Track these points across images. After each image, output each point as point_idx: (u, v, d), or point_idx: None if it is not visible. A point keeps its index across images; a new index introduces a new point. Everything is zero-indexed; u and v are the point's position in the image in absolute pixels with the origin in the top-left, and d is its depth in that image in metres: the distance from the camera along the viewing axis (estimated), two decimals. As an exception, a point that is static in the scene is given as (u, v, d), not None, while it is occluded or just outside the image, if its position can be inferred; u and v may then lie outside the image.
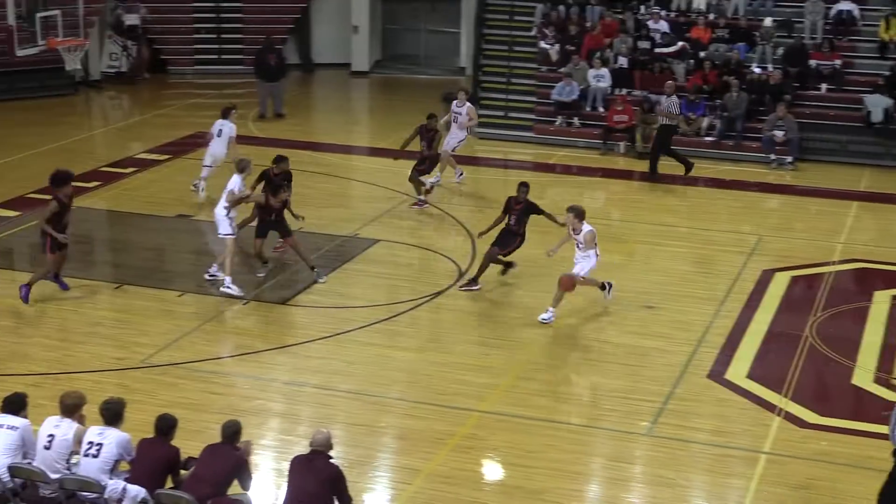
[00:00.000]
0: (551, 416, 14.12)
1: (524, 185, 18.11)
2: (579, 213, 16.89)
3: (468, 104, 23.52)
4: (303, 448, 11.14)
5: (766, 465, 13.10)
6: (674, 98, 24.64)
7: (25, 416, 11.26)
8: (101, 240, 21.12)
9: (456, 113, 23.32)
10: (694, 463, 13.23)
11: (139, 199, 22.29)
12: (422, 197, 21.83)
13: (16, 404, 11.27)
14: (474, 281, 17.85)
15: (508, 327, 16.75)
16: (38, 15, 26.07)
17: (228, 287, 17.31)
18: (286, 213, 18.23)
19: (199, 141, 26.13)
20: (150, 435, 10.99)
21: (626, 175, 25.05)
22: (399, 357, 15.73)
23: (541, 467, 12.92)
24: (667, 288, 18.36)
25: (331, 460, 10.70)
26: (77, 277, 17.81)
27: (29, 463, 11.00)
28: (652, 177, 24.40)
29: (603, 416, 14.24)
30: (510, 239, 17.97)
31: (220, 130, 21.57)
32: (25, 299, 16.75)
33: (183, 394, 14.42)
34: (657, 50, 27.99)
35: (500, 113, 27.93)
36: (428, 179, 22.27)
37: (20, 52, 25.96)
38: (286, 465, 10.82)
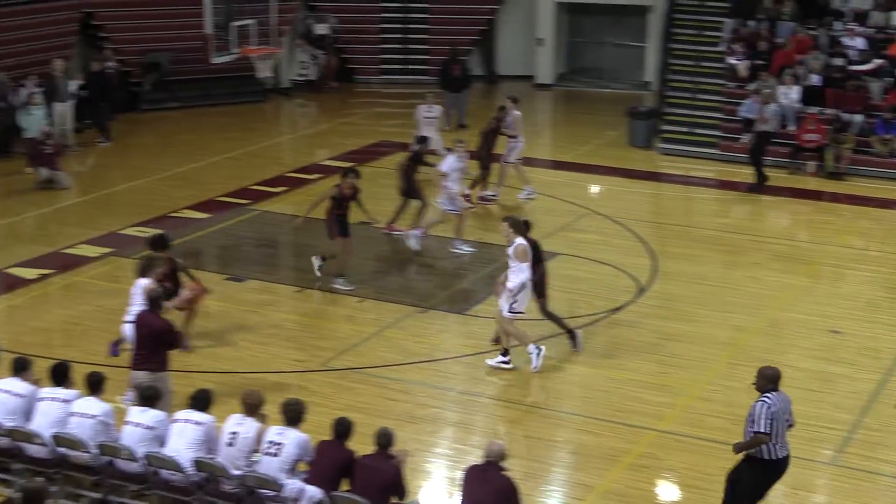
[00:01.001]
0: (730, 438, 13.72)
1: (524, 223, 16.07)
2: (514, 224, 15.56)
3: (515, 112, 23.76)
4: (476, 458, 11.13)
5: (958, 501, 12.57)
6: (772, 105, 24.22)
7: (211, 413, 11.55)
8: (285, 244, 21.56)
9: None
10: (880, 496, 12.77)
11: (323, 205, 22.59)
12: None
13: (202, 401, 11.57)
14: (572, 340, 16.19)
15: (687, 346, 16.46)
16: (234, 24, 26.78)
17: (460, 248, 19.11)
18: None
19: (382, 150, 26.53)
20: (327, 437, 11.14)
21: (814, 195, 24.36)
22: (575, 371, 15.62)
23: (718, 491, 12.58)
24: (854, 313, 17.79)
25: (504, 472, 10.67)
26: (261, 280, 18.21)
27: (212, 458, 11.27)
28: (760, 187, 24.08)
29: (784, 441, 13.85)
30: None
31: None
32: None
33: (360, 398, 14.60)
34: (852, 67, 27.18)
35: (685, 129, 27.52)
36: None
37: (215, 60, 26.73)
38: (459, 475, 10.82)
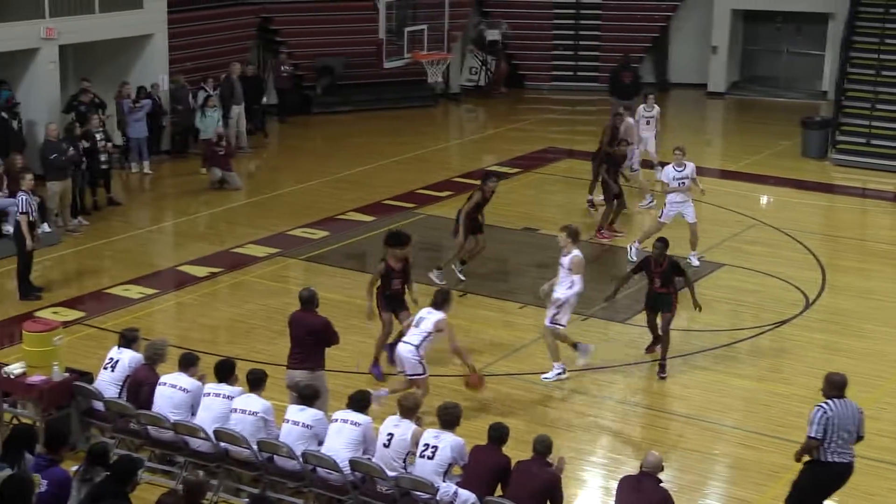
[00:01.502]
0: (896, 459, 13.38)
1: (660, 241, 15.59)
2: (572, 233, 15.19)
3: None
4: (632, 468, 11.02)
5: None
6: None
7: (368, 414, 11.69)
8: (449, 248, 21.65)
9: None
10: None
11: (487, 210, 22.64)
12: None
13: (361, 402, 11.73)
14: (661, 369, 15.49)
15: (855, 362, 15.97)
16: (407, 29, 27.11)
17: None
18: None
19: (549, 156, 26.47)
20: (483, 442, 11.16)
21: None
22: (737, 385, 15.32)
23: (881, 513, 12.28)
24: None
25: (660, 484, 10.53)
26: (422, 283, 18.32)
27: (369, 459, 11.40)
28: None
29: (955, 465, 13.37)
30: (664, 300, 15.58)
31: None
32: None
33: (518, 404, 14.59)
34: None
35: (863, 140, 26.75)
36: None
37: (388, 64, 27.10)
38: (614, 484, 10.73)
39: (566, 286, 15.08)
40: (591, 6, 35.14)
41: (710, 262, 19.73)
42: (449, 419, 11.33)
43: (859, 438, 11.29)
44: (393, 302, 15.30)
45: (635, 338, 16.76)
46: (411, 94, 32.03)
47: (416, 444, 11.32)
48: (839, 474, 11.23)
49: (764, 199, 24.08)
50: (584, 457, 13.48)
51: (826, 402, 11.15)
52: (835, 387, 11.25)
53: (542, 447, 10.93)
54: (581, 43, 35.20)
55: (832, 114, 28.34)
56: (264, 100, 29.05)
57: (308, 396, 11.95)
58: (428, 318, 13.98)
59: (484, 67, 34.13)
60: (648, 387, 15.21)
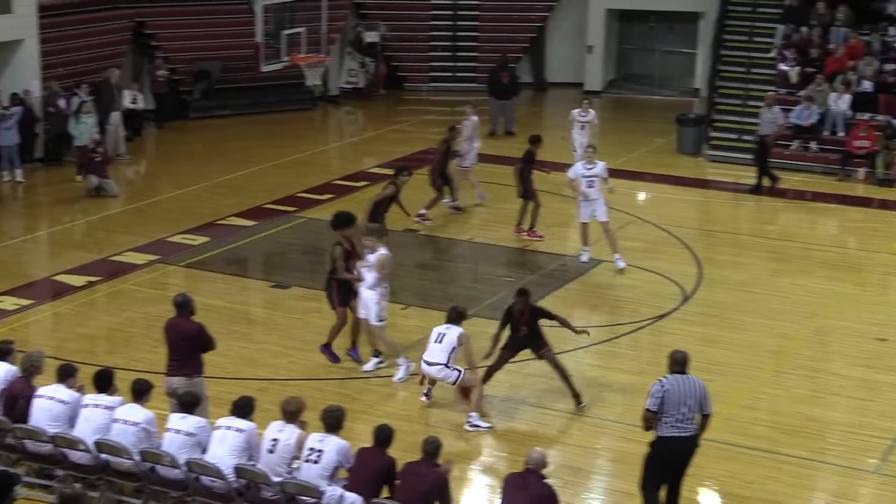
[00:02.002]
0: (773, 447, 13.71)
1: (519, 294, 14.82)
2: (375, 232, 15.63)
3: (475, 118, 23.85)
4: (517, 466, 11.11)
5: None
6: (775, 108, 24.23)
7: (252, 420, 11.61)
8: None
9: None
10: (925, 505, 12.62)
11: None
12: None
13: (244, 408, 11.64)
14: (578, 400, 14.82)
15: (732, 353, 16.35)
16: (284, 32, 26.96)
17: None
18: None
19: (429, 157, 26.51)
20: (369, 445, 11.17)
21: (864, 202, 24.16)
22: (618, 379, 15.55)
23: (759, 499, 12.58)
24: (902, 321, 17.63)
25: (545, 480, 10.64)
26: (307, 288, 18.28)
27: (253, 465, 11.33)
28: (756, 191, 24.23)
29: (827, 449, 13.74)
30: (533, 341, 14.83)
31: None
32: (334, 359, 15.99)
33: (403, 406, 14.63)
34: (904, 73, 26.89)
35: (734, 136, 27.34)
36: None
37: (265, 68, 26.91)
38: (500, 483, 10.81)
39: (371, 284, 15.14)
40: (468, 7, 35.35)
41: (591, 258, 19.95)
42: (333, 422, 11.30)
43: (706, 416, 11.50)
44: (346, 291, 15.60)
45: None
46: (290, 97, 31.87)
47: (301, 448, 11.27)
48: (676, 448, 11.44)
49: (641, 196, 24.47)
50: (471, 456, 13.57)
51: (665, 377, 11.48)
52: (676, 363, 11.60)
53: (431, 448, 10.96)
54: (459, 44, 35.39)
55: (705, 111, 28.91)
56: (141, 105, 28.61)
57: (188, 404, 11.82)
58: (448, 332, 14.25)
59: (363, 69, 34.09)
60: (531, 384, 15.34)
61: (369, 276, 15.29)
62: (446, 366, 14.11)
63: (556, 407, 14.63)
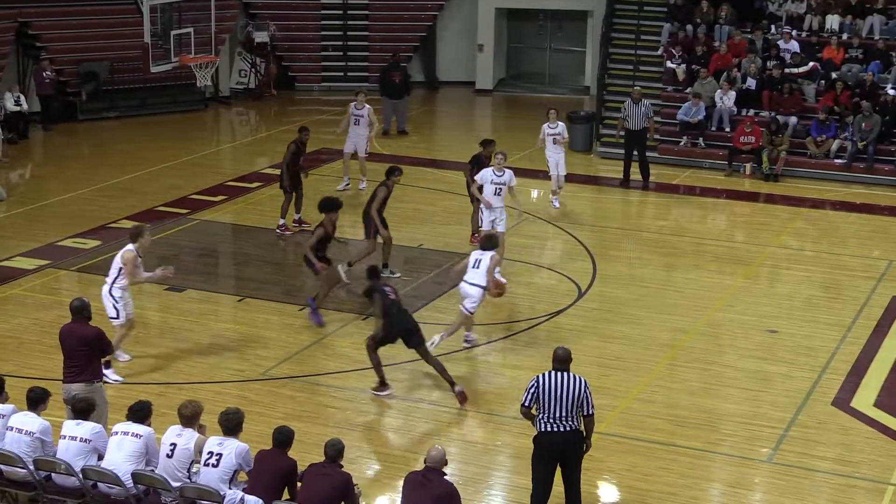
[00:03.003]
0: (669, 439, 13.93)
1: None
2: (132, 234, 15.55)
3: (368, 106, 24.17)
4: (419, 465, 11.14)
5: (894, 496, 12.73)
6: (645, 102, 24.53)
7: (149, 425, 11.47)
8: (225, 253, 21.50)
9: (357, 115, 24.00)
10: (816, 492, 12.91)
11: (264, 213, 22.62)
12: None
13: (141, 413, 11.49)
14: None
15: (627, 348, 16.58)
16: (173, 33, 26.65)
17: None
18: None
19: (322, 157, 26.45)
20: (268, 447, 11.11)
21: (751, 197, 24.70)
22: (515, 376, 15.65)
23: (657, 491, 12.76)
24: (791, 312, 18.05)
25: (445, 477, 10.68)
26: (201, 290, 18.12)
27: (152, 470, 11.20)
28: (625, 183, 24.74)
29: (722, 440, 14.00)
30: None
31: None
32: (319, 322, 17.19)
33: (301, 407, 14.58)
34: (787, 70, 27.51)
35: (623, 132, 27.69)
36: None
37: (154, 69, 26.57)
38: (401, 482, 10.83)
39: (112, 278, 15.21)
40: (358, 7, 35.32)
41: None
42: (231, 425, 11.20)
43: (587, 416, 11.56)
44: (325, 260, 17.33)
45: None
46: (180, 98, 31.54)
47: (200, 452, 11.16)
48: (553, 444, 11.54)
49: (534, 194, 24.66)
50: (371, 455, 13.58)
51: (542, 374, 11.59)
52: (557, 360, 11.70)
53: (334, 451, 10.92)
54: (350, 43, 35.34)
55: (595, 108, 29.27)
56: (26, 107, 28.07)
57: (83, 410, 11.62)
58: (484, 257, 15.96)
59: (253, 70, 33.86)
60: (431, 382, 15.39)
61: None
62: (485, 290, 15.82)
63: (455, 405, 14.69)
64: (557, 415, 11.43)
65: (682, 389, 15.53)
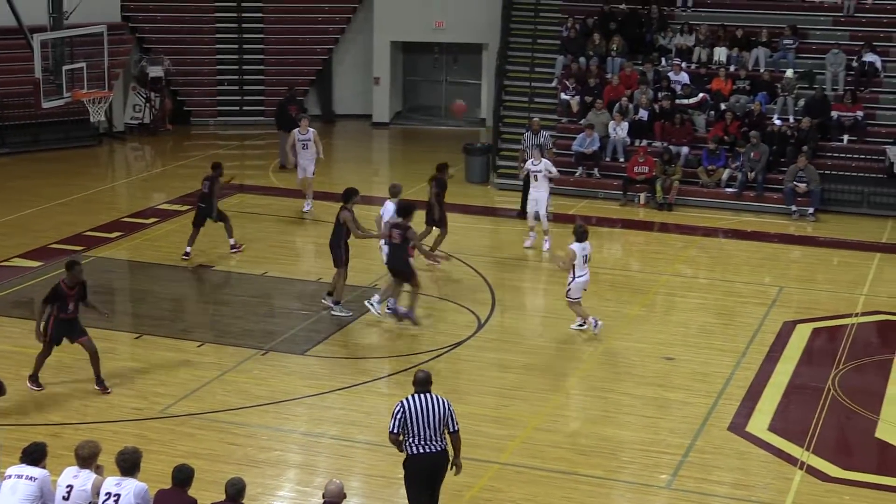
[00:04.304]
0: (570, 468, 14.04)
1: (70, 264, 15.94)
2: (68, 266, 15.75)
3: (312, 130, 25.10)
4: (318, 500, 11.09)
5: (788, 518, 13.00)
6: (544, 133, 24.78)
7: (44, 467, 11.25)
8: (122, 290, 21.21)
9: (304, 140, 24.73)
10: (714, 516, 13.12)
11: (160, 249, 22.40)
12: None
13: (35, 454, 11.24)
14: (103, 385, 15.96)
15: (527, 377, 16.69)
16: (65, 68, 26.30)
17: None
18: None
19: (220, 192, 26.24)
20: (168, 486, 10.97)
21: (646, 226, 25.08)
22: (417, 408, 15.65)
23: (559, 520, 12.85)
24: (686, 339, 18.33)
25: (345, 512, 10.65)
26: (97, 328, 17.84)
27: (47, 513, 10.99)
28: (522, 214, 24.72)
29: (622, 468, 14.15)
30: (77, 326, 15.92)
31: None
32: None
33: (201, 444, 14.42)
34: (678, 101, 28.05)
35: (522, 164, 27.95)
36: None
37: (46, 104, 26.17)
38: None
39: None
40: (253, 41, 35.24)
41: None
42: (129, 465, 11.02)
43: (453, 433, 11.82)
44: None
45: (316, 370, 16.91)
46: (73, 133, 31.09)
47: (98, 493, 10.97)
48: (426, 466, 11.74)
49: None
50: (273, 492, 13.48)
51: (406, 399, 11.77)
52: (418, 382, 11.92)
53: (234, 490, 10.80)
54: (245, 77, 35.21)
55: (491, 140, 29.51)
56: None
57: (-24, 455, 11.40)
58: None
59: (148, 104, 33.55)
60: (332, 416, 15.35)
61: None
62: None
63: (357, 439, 14.66)
64: (426, 436, 11.65)
65: (582, 418, 15.69)
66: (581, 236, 17.93)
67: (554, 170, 22.72)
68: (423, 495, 11.86)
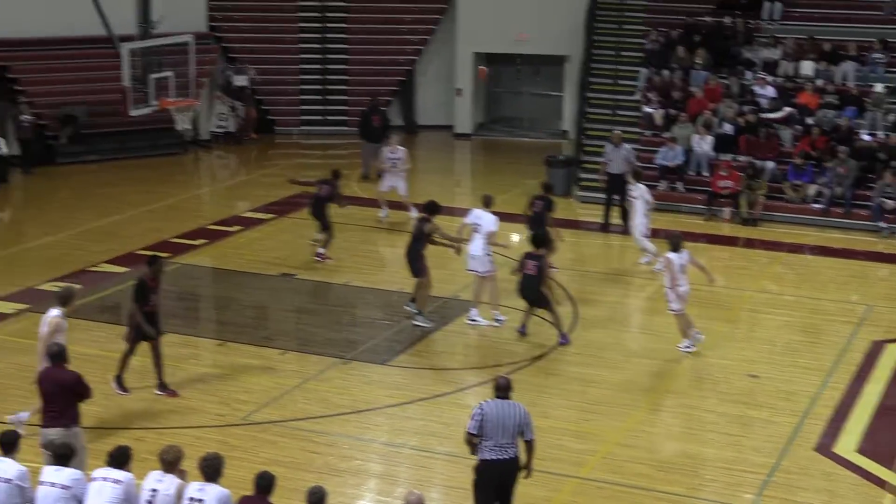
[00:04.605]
0: (650, 484, 13.90)
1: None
2: (59, 298, 14.62)
3: (402, 148, 25.51)
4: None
5: (875, 542, 12.75)
6: (626, 146, 24.82)
7: (129, 470, 11.37)
8: (206, 297, 21.44)
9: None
10: (799, 537, 12.91)
11: (244, 256, 22.61)
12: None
13: (121, 458, 11.37)
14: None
15: (609, 392, 16.58)
16: (152, 76, 26.64)
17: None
18: None
19: (302, 201, 26.45)
20: (249, 492, 11.03)
21: (730, 241, 24.80)
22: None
23: (641, 537, 12.73)
24: (771, 357, 18.07)
25: (423, 522, 10.64)
26: (181, 334, 18.05)
27: (132, 517, 11.09)
28: (604, 227, 24.94)
29: (703, 485, 13.97)
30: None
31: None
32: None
33: (282, 452, 14.50)
34: (763, 115, 27.73)
35: (603, 177, 27.80)
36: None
37: (133, 112, 26.52)
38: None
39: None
40: (337, 51, 35.44)
41: (466, 300, 20.07)
42: (211, 471, 11.11)
43: (528, 442, 11.89)
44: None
45: (397, 380, 16.92)
46: (160, 141, 31.52)
47: (181, 498, 11.07)
48: (497, 471, 11.79)
49: (514, 238, 24.67)
50: (353, 501, 13.51)
51: (486, 402, 11.85)
52: (498, 388, 11.99)
53: (315, 499, 10.84)
54: (329, 87, 35.43)
55: (574, 152, 29.39)
56: (5, 150, 28.05)
57: (63, 455, 11.51)
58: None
59: (233, 113, 33.90)
60: (413, 427, 15.35)
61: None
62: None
63: (437, 450, 14.64)
64: (500, 442, 11.70)
65: (664, 434, 15.53)
66: (676, 246, 17.78)
67: (650, 196, 22.56)
68: (491, 500, 11.88)
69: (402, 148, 25.38)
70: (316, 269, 21.90)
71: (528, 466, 11.98)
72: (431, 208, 19.20)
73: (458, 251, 19.41)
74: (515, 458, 11.83)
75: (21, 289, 20.35)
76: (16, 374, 16.54)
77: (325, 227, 22.13)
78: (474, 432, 11.72)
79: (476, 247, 19.01)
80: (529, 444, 11.91)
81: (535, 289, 18.25)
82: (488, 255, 19.03)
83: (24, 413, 13.65)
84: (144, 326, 15.80)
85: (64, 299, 14.49)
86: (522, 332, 18.56)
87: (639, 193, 22.37)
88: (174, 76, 27.09)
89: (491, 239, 19.10)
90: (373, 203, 25.69)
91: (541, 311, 18.47)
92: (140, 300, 15.85)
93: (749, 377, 17.12)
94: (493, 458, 11.71)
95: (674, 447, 15.04)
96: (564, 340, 18.28)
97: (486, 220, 19.25)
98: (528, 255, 18.38)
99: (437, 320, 19.03)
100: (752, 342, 18.76)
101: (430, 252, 20.80)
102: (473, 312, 19.00)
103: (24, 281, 20.72)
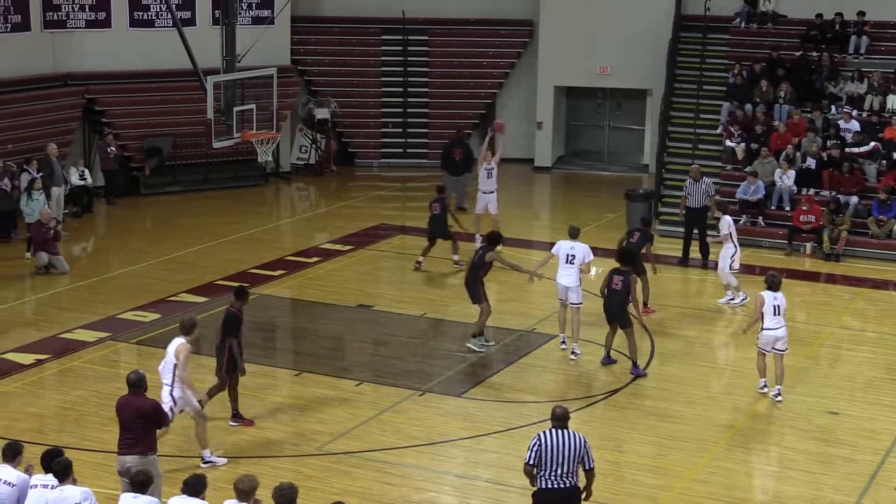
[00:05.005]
0: (728, 522, 13.71)
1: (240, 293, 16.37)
2: (183, 328, 14.80)
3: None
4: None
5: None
6: (706, 180, 24.66)
7: (204, 499, 11.45)
8: (284, 327, 21.60)
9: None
10: (879, 579, 12.63)
11: (322, 288, 22.75)
12: None
13: (196, 486, 11.45)
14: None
15: (685, 427, 16.39)
16: (235, 109, 26.98)
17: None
18: None
19: (381, 233, 26.62)
20: (322, 522, 11.07)
21: (812, 277, 24.47)
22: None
23: (716, 575, 12.54)
24: (853, 394, 17.77)
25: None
26: (258, 364, 18.18)
27: (205, 545, 11.16)
28: (683, 262, 24.85)
29: (783, 524, 13.76)
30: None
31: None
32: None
33: (356, 482, 14.52)
34: (848, 150, 27.36)
35: (683, 211, 27.59)
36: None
37: (216, 144, 26.86)
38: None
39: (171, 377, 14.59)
40: (418, 84, 35.65)
41: (542, 333, 20.02)
42: (285, 501, 11.12)
43: (588, 471, 11.87)
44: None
45: (472, 412, 16.88)
46: (242, 173, 31.95)
47: (255, 527, 11.13)
48: (556, 500, 11.74)
49: (594, 271, 24.55)
50: (425, 533, 13.49)
51: (543, 432, 11.81)
52: (555, 418, 11.97)
53: (285, 499, 10.85)
54: (409, 120, 35.64)
55: (654, 186, 29.23)
56: (90, 181, 28.60)
57: (140, 483, 11.62)
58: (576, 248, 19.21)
59: (314, 146, 34.23)
60: (487, 459, 15.30)
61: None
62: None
63: (512, 483, 14.57)
64: (559, 472, 11.67)
65: (741, 471, 15.30)
66: (774, 285, 17.56)
67: (734, 229, 22.31)
68: None
69: (496, 162, 25.99)
70: (392, 300, 21.98)
71: (586, 489, 12.00)
72: (494, 239, 19.47)
73: (531, 279, 19.86)
74: (574, 487, 11.79)
75: (102, 317, 20.66)
76: (95, 402, 16.78)
77: (449, 236, 23.95)
78: (532, 462, 11.73)
79: (574, 278, 19.07)
80: (589, 473, 11.92)
81: (620, 304, 18.21)
82: (580, 286, 19.13)
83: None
84: (239, 361, 15.90)
85: (187, 329, 14.78)
86: (607, 362, 18.50)
87: (727, 226, 22.13)
88: (257, 109, 27.42)
89: (585, 269, 19.29)
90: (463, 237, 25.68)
91: (620, 334, 18.34)
92: (234, 333, 15.95)
93: (829, 414, 16.85)
94: (551, 487, 11.69)
95: (751, 484, 14.82)
96: (637, 371, 18.14)
97: (580, 249, 19.21)
98: (614, 271, 18.43)
99: (513, 353, 18.98)
100: (833, 378, 18.47)
101: (508, 286, 20.86)
102: (574, 346, 18.99)
103: (106, 310, 21.04)
